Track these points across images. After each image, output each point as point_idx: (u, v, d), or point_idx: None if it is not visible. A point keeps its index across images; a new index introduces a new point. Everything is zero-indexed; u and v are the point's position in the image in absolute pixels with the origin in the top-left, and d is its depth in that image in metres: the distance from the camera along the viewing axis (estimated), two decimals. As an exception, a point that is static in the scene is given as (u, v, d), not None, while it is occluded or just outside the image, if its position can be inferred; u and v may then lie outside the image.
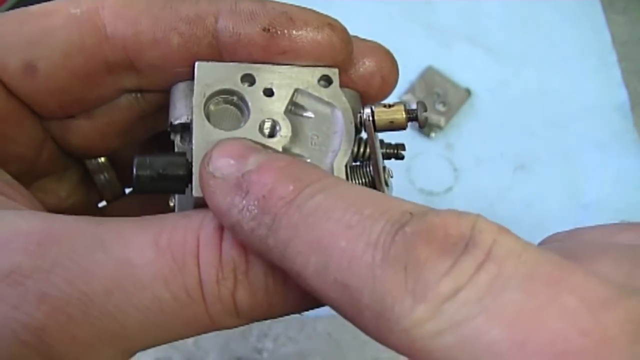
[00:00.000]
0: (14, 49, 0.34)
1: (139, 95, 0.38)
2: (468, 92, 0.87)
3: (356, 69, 0.37)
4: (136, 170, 0.33)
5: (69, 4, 0.35)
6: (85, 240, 0.30)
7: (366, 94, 0.38)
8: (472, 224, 0.25)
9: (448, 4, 0.91)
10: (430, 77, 0.87)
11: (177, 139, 0.36)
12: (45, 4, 0.35)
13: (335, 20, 0.35)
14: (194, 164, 0.33)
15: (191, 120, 0.35)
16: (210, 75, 0.35)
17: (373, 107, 0.36)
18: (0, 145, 0.36)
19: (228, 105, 0.35)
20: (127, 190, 0.47)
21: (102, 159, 0.43)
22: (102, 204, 0.47)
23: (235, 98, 0.35)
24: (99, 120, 0.38)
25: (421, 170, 0.81)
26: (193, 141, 0.33)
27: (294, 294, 0.30)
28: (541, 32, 0.90)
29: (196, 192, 0.32)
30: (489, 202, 0.82)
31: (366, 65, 0.37)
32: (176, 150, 0.36)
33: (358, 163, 0.38)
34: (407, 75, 0.88)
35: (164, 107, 0.37)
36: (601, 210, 0.81)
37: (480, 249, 0.24)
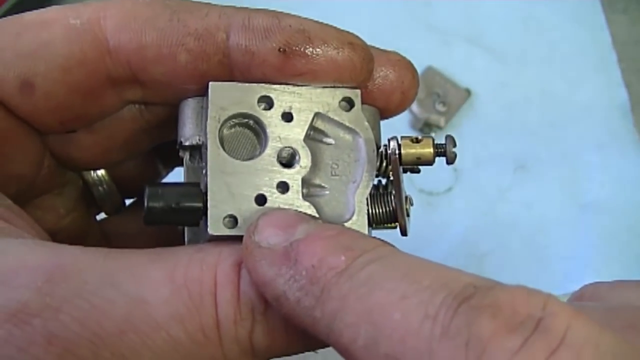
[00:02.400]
0: (10, 65, 0.32)
1: (142, 107, 0.36)
2: (468, 92, 0.87)
3: (376, 84, 0.34)
4: (148, 202, 0.31)
5: (69, 13, 0.32)
6: (96, 276, 0.28)
7: (385, 109, 0.36)
8: (543, 304, 0.23)
9: (448, 4, 0.91)
10: (430, 77, 0.87)
11: (186, 157, 0.34)
12: (42, 11, 0.33)
13: (356, 37, 0.33)
14: (209, 197, 0.31)
15: (203, 142, 0.33)
16: (225, 98, 0.32)
17: (399, 139, 0.34)
18: None
19: (243, 129, 0.33)
20: (128, 202, 0.45)
21: (102, 172, 0.41)
22: (101, 216, 0.44)
23: (251, 121, 0.33)
24: (101, 133, 0.36)
25: (421, 170, 0.81)
26: (208, 172, 0.31)
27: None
28: (541, 32, 0.90)
29: (211, 229, 0.31)
30: (489, 202, 0.82)
31: (387, 80, 0.35)
32: (185, 168, 0.35)
33: (377, 182, 0.36)
34: (407, 75, 0.88)
35: (170, 119, 0.35)
36: (601, 211, 0.81)
37: (553, 333, 0.22)
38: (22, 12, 0.33)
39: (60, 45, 0.32)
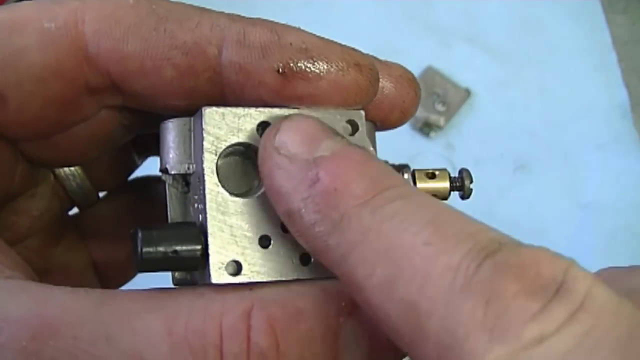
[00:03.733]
0: None
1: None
2: (468, 92, 0.87)
3: (374, 100, 0.32)
4: (142, 247, 0.28)
5: (43, 15, 0.29)
6: (87, 329, 0.25)
7: (381, 124, 0.34)
8: (566, 268, 0.22)
9: (448, 4, 0.91)
10: (430, 77, 0.86)
11: (168, 181, 0.32)
12: (14, 9, 0.30)
13: (363, 56, 0.30)
14: (210, 242, 0.28)
15: (193, 172, 0.30)
16: (221, 126, 0.29)
17: (412, 171, 0.33)
18: None
19: (238, 158, 0.30)
20: (101, 194, 0.43)
21: (74, 167, 0.39)
22: (74, 210, 0.41)
23: (246, 149, 0.30)
24: (78, 135, 0.33)
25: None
26: (206, 214, 0.29)
27: None
28: (541, 32, 0.90)
29: (214, 278, 0.28)
30: (489, 202, 0.82)
31: (386, 97, 0.32)
32: (168, 195, 0.32)
33: None
34: (407, 75, 0.88)
35: (151, 113, 0.33)
36: (601, 211, 0.81)
37: (573, 297, 0.22)
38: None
39: (34, 54, 0.29)
